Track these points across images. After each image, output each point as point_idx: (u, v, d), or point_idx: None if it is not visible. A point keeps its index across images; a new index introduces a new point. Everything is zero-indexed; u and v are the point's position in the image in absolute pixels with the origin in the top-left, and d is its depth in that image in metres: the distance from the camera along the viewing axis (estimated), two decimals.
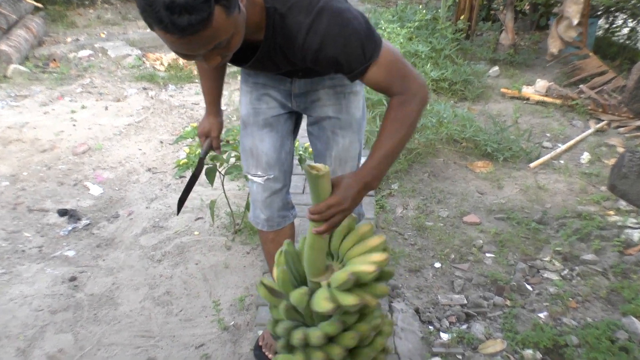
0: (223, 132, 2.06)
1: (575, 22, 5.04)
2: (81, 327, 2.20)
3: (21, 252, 2.70)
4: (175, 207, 2.86)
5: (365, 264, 1.35)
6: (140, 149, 3.83)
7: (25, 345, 2.10)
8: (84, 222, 2.94)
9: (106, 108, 4.52)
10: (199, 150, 2.42)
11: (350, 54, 1.27)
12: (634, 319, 2.13)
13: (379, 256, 1.37)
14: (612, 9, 6.10)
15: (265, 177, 1.79)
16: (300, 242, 1.49)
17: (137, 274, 2.54)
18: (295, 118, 1.82)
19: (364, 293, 1.38)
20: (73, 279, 2.49)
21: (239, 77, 1.84)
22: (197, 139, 2.60)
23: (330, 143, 1.75)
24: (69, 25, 6.98)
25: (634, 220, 2.89)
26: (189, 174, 3.34)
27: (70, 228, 2.88)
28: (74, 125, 4.16)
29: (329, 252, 1.47)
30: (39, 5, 6.39)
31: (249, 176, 1.82)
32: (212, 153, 2.22)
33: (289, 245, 1.50)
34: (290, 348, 1.53)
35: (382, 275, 1.44)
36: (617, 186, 2.40)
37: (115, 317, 2.26)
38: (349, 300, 1.33)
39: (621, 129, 4.20)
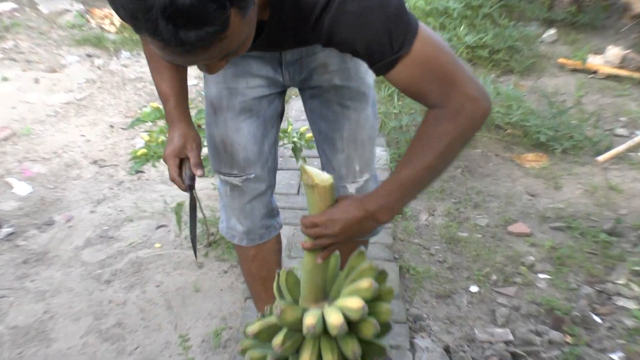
0: (193, 115, 2.04)
1: None
2: None
3: None
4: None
5: (351, 299, 1.45)
6: (83, 135, 3.86)
7: None
8: (5, 230, 2.97)
9: (36, 81, 4.56)
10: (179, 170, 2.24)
11: (371, 40, 1.21)
12: None
13: (364, 284, 1.47)
14: None
15: (244, 177, 1.80)
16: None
17: (78, 299, 2.55)
18: (282, 98, 1.81)
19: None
20: None
21: None
22: (158, 123, 2.61)
23: (340, 120, 1.75)
24: None
25: None
26: (148, 168, 3.38)
27: None
28: None
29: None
30: None
31: (221, 177, 1.83)
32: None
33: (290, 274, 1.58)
34: None
35: (380, 297, 1.52)
36: None
37: (47, 357, 2.27)
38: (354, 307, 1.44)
39: None
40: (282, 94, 1.79)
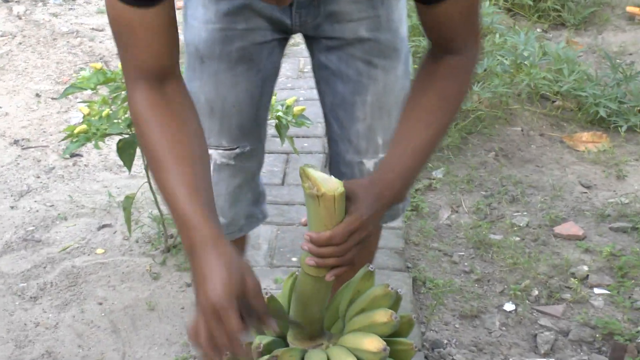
0: None
1: None
2: None
3: None
4: None
5: (368, 338, 1.44)
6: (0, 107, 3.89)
7: None
8: None
9: None
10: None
11: None
12: None
13: (383, 317, 1.46)
14: None
15: (237, 151, 1.81)
16: (285, 284, 1.58)
17: None
18: (283, 48, 1.82)
19: None
20: None
21: None
22: (100, 90, 2.57)
23: (364, 81, 1.77)
24: None
25: None
26: (87, 150, 3.39)
27: None
28: None
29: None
30: None
31: (210, 150, 1.72)
32: None
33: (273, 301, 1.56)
34: None
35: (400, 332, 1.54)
36: None
37: None
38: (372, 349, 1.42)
39: None
40: (283, 42, 1.78)
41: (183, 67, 1.68)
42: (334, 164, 1.91)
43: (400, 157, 1.39)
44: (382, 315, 1.45)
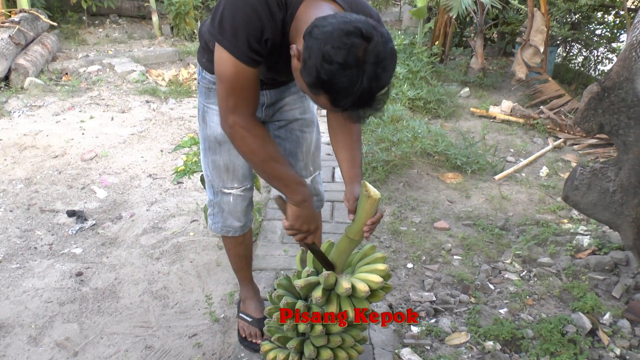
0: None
1: (542, 49, 5.14)
2: (86, 317, 2.20)
3: (33, 249, 2.69)
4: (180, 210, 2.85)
5: (373, 275, 1.49)
6: (142, 157, 3.83)
7: (36, 334, 2.10)
8: (90, 222, 2.94)
9: (112, 118, 4.52)
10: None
11: None
12: (581, 314, 2.17)
13: (381, 266, 1.52)
14: (569, 39, 6.22)
15: (243, 188, 1.78)
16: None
17: (137, 270, 2.54)
18: None
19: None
20: (80, 274, 2.48)
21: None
22: (193, 148, 2.57)
23: (300, 141, 1.78)
24: (80, 42, 6.96)
25: (584, 228, 2.95)
26: (185, 179, 3.36)
27: (77, 228, 2.88)
28: (83, 133, 4.15)
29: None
30: (54, 24, 6.37)
31: (226, 190, 1.77)
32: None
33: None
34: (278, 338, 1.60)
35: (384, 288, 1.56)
36: (569, 197, 2.45)
37: (117, 309, 2.26)
38: (376, 280, 1.48)
39: (576, 146, 4.29)
40: None
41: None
42: None
43: (355, 162, 1.47)
44: (381, 266, 1.52)
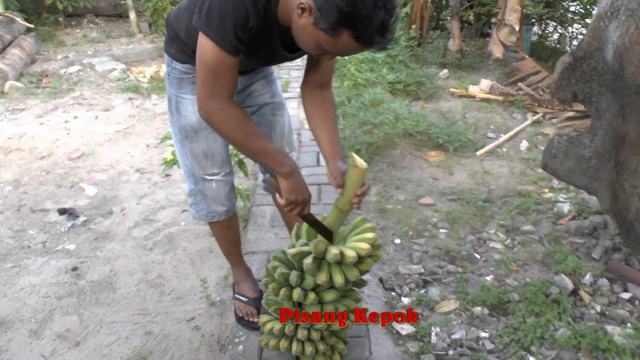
0: None
1: (517, 28, 5.22)
2: (85, 309, 2.23)
3: (27, 247, 2.70)
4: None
5: (361, 243, 1.55)
6: (128, 153, 3.84)
7: (37, 327, 2.13)
8: (81, 219, 2.95)
9: (96, 117, 4.51)
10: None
11: None
12: (563, 276, 2.25)
13: (369, 235, 1.57)
14: (544, 17, 6.31)
15: (223, 173, 1.81)
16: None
17: (132, 261, 2.57)
18: None
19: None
20: (75, 268, 2.51)
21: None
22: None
23: (274, 124, 1.83)
24: (58, 44, 6.90)
25: (564, 196, 3.04)
26: (174, 172, 3.38)
27: (69, 225, 2.89)
28: (68, 133, 4.15)
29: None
30: (31, 25, 6.31)
31: (208, 177, 1.79)
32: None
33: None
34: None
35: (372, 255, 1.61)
36: (548, 165, 2.53)
37: (114, 299, 2.29)
38: (363, 247, 1.53)
39: (554, 120, 4.38)
40: None
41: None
42: None
43: (335, 141, 1.54)
44: (370, 234, 1.57)
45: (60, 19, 7.60)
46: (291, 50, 1.49)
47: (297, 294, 1.57)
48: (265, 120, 1.82)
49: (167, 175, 3.42)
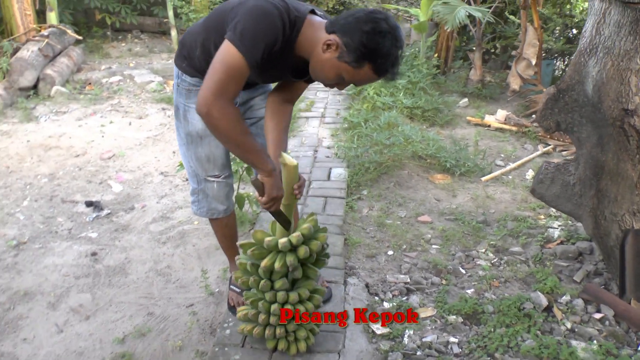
0: None
1: (534, 62, 5.35)
2: (98, 289, 2.48)
3: (55, 232, 2.99)
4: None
5: (303, 226, 1.78)
6: (155, 157, 4.12)
7: (54, 300, 2.38)
8: (105, 211, 3.23)
9: (130, 123, 4.85)
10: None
11: None
12: (539, 293, 2.36)
13: (310, 221, 1.81)
14: (566, 52, 6.41)
15: (224, 175, 2.02)
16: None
17: (145, 252, 2.80)
18: None
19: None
20: (94, 254, 2.77)
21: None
22: None
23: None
24: (104, 55, 7.38)
25: (558, 223, 3.13)
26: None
27: (94, 216, 3.17)
28: (103, 136, 4.49)
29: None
30: (80, 37, 6.78)
31: (209, 178, 1.99)
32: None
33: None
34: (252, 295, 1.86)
35: (320, 231, 1.84)
36: (535, 189, 2.67)
37: (125, 283, 2.53)
38: (304, 226, 1.79)
39: (564, 152, 4.47)
40: None
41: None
42: None
43: (280, 143, 1.78)
44: (312, 220, 1.81)
45: (108, 33, 8.11)
46: (296, 76, 1.72)
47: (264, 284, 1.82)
48: (262, 132, 2.02)
49: (187, 180, 3.66)
